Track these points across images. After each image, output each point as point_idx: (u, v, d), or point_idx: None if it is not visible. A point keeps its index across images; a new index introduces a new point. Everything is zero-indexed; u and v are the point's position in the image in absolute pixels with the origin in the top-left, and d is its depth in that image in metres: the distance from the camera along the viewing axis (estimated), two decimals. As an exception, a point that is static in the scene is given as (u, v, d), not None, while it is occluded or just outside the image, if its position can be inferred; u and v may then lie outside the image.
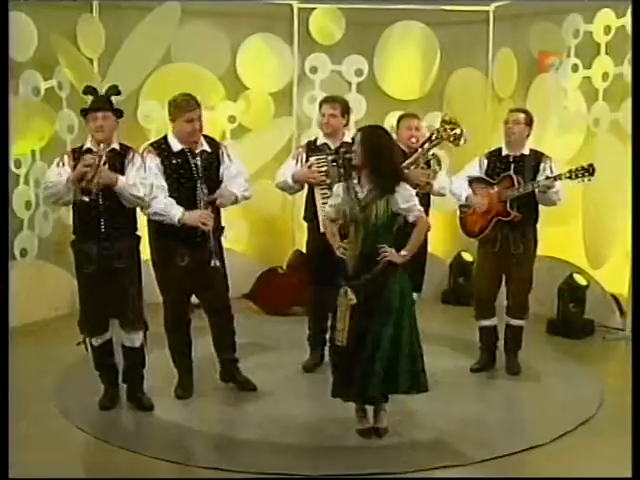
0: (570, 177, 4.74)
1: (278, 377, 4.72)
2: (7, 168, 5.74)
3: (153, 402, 4.50)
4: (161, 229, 4.45)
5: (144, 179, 4.33)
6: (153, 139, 6.86)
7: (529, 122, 4.97)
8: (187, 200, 4.42)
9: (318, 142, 5.11)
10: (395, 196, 3.89)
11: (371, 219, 3.88)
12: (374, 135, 3.98)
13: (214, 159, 4.58)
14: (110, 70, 6.68)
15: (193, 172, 4.45)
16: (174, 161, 4.46)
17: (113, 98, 4.48)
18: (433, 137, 5.19)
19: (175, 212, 4.35)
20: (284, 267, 6.80)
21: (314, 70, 7.38)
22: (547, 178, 4.78)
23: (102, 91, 4.60)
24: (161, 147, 4.52)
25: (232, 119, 7.20)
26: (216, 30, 7.08)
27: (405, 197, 3.92)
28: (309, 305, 5.34)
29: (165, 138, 4.56)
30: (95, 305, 4.40)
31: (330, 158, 4.90)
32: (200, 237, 4.40)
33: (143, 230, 4.60)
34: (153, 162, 4.42)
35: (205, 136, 4.61)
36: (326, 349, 5.18)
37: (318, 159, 4.95)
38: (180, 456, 3.83)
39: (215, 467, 3.76)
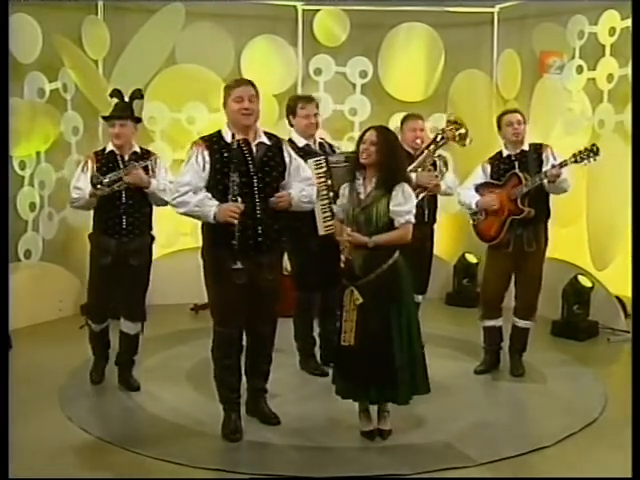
0: (576, 161, 4.71)
1: (281, 378, 4.69)
2: (7, 170, 5.73)
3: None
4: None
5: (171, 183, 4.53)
6: (158, 141, 6.97)
7: (525, 120, 5.05)
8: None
9: (300, 143, 4.93)
10: (392, 194, 3.85)
11: (372, 219, 3.86)
12: (389, 135, 3.98)
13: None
14: (115, 72, 6.71)
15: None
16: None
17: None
18: (439, 138, 5.18)
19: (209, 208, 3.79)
20: (288, 269, 6.80)
21: (318, 72, 7.38)
22: (553, 166, 4.76)
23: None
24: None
25: (236, 121, 7.19)
26: (220, 32, 7.10)
27: (398, 200, 3.85)
28: (297, 311, 5.18)
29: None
30: (103, 295, 4.73)
31: (342, 159, 4.70)
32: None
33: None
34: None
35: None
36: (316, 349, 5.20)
37: (317, 161, 4.80)
38: (182, 457, 3.83)
39: (216, 468, 3.76)
